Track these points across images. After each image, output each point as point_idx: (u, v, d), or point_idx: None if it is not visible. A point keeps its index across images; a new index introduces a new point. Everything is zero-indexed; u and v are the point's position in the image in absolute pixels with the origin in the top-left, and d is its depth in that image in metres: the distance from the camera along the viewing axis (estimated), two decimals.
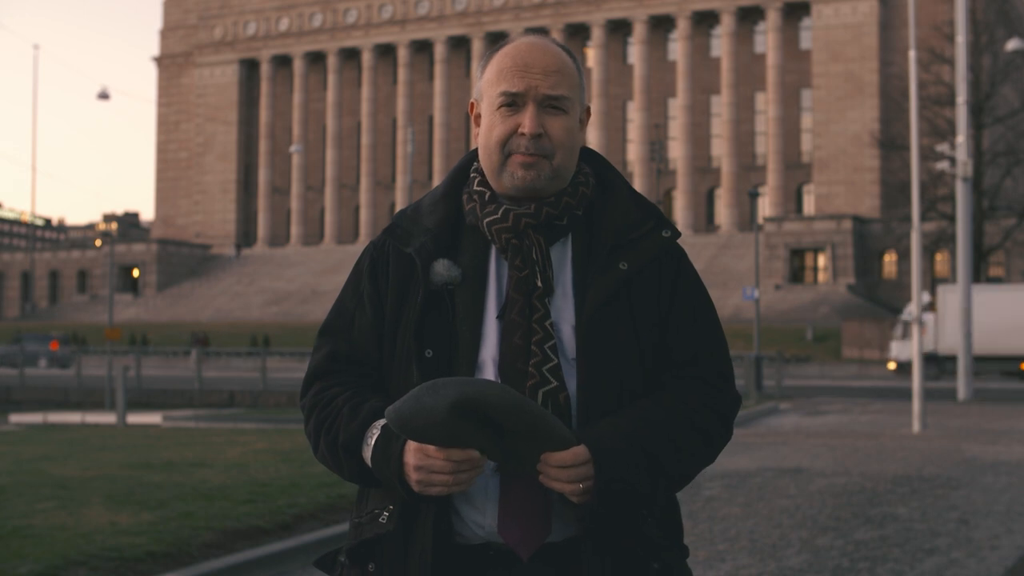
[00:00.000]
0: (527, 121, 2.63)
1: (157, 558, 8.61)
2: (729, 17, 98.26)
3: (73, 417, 29.13)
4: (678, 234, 2.74)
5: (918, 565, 9.32)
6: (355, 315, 2.74)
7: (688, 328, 2.69)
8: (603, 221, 2.70)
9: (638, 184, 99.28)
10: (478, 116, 2.75)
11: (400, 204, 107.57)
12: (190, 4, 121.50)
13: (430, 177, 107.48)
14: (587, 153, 2.83)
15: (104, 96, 71.25)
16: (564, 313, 2.62)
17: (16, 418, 29.43)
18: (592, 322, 2.59)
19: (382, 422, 2.56)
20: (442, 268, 2.64)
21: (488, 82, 2.70)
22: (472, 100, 2.78)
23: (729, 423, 2.73)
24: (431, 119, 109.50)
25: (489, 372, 2.58)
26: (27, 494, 11.52)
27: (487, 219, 2.66)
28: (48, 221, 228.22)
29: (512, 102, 2.65)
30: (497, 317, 2.61)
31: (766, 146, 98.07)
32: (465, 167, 2.82)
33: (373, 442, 2.55)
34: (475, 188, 2.73)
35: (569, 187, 2.70)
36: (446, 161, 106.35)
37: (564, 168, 2.67)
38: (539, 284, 2.60)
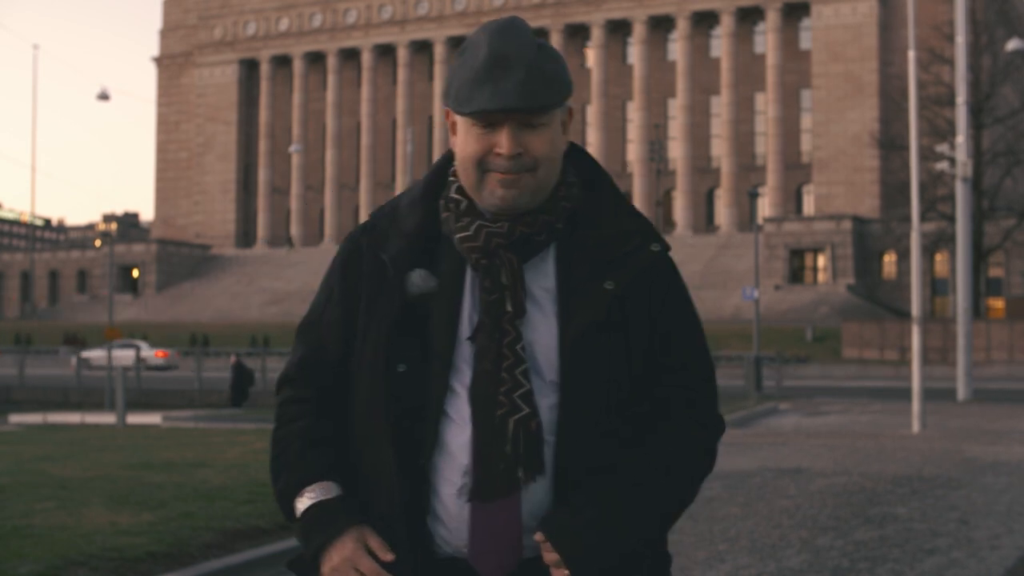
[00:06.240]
0: (504, 142, 2.49)
1: (157, 558, 8.61)
2: (729, 17, 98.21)
3: (73, 417, 29.14)
4: (667, 247, 2.64)
5: (918, 565, 9.31)
6: (324, 314, 2.69)
7: (676, 344, 2.62)
8: (589, 234, 2.59)
9: (638, 184, 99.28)
10: (453, 124, 2.60)
11: None
12: (190, 4, 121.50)
13: None
14: (577, 153, 2.72)
15: (104, 97, 71.16)
16: (544, 332, 2.53)
17: (16, 418, 29.42)
18: (576, 345, 2.51)
19: (313, 495, 2.56)
20: (418, 279, 2.55)
21: None
22: (446, 108, 2.61)
23: (714, 454, 2.66)
24: (431, 119, 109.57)
25: (462, 397, 2.52)
26: (27, 494, 11.52)
27: (459, 235, 2.56)
28: (48, 221, 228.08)
29: (486, 120, 2.51)
30: (468, 338, 2.53)
31: (766, 146, 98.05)
32: (443, 168, 2.69)
33: (302, 516, 2.56)
34: (452, 195, 2.61)
35: (549, 201, 2.57)
36: None
37: (547, 180, 2.55)
38: (508, 308, 2.51)
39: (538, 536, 2.47)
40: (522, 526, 2.50)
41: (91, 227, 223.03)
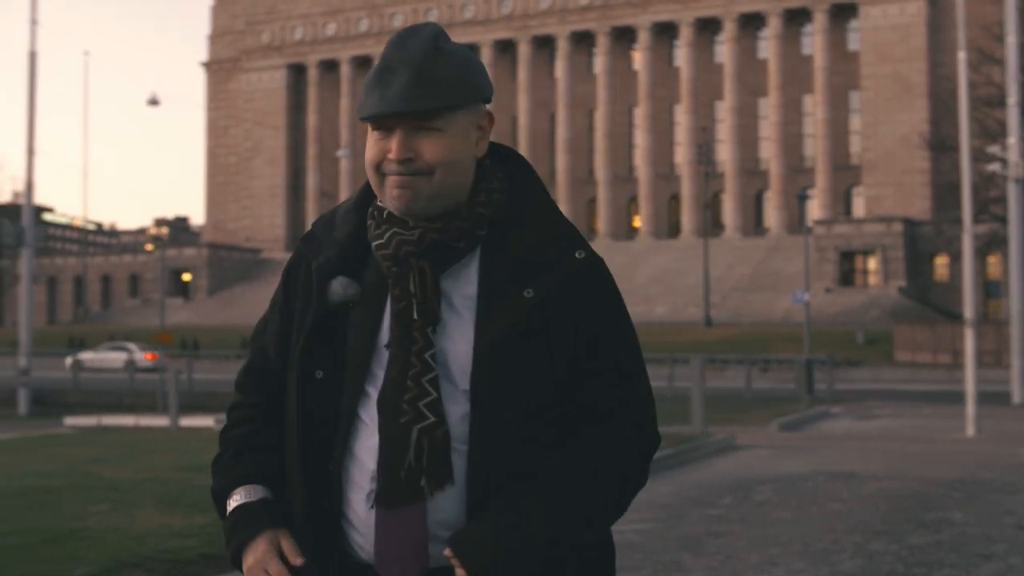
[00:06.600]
0: (393, 146, 2.46)
1: (209, 560, 8.64)
2: (776, 19, 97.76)
3: (127, 420, 29.35)
4: (593, 254, 2.57)
5: (975, 571, 9.21)
6: (270, 322, 2.72)
7: (604, 349, 2.55)
8: (511, 241, 2.53)
9: (686, 187, 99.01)
10: None
11: None
12: (238, 10, 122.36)
13: None
14: (508, 157, 2.66)
15: (154, 102, 71.85)
16: (460, 340, 2.49)
17: (71, 421, 29.70)
18: (490, 353, 2.46)
19: (239, 497, 2.60)
20: (339, 287, 2.54)
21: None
22: None
23: (647, 459, 2.58)
24: None
25: (373, 404, 2.50)
26: (81, 496, 11.62)
27: (374, 243, 2.54)
28: (100, 226, 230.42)
29: (380, 125, 2.48)
30: (385, 346, 2.51)
31: (814, 148, 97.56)
32: None
33: (228, 516, 2.61)
34: (377, 203, 2.59)
35: (464, 208, 2.52)
36: None
37: (450, 185, 2.49)
38: (415, 316, 2.48)
39: (447, 552, 2.43)
40: (428, 535, 2.46)
41: (142, 231, 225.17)
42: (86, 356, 61.41)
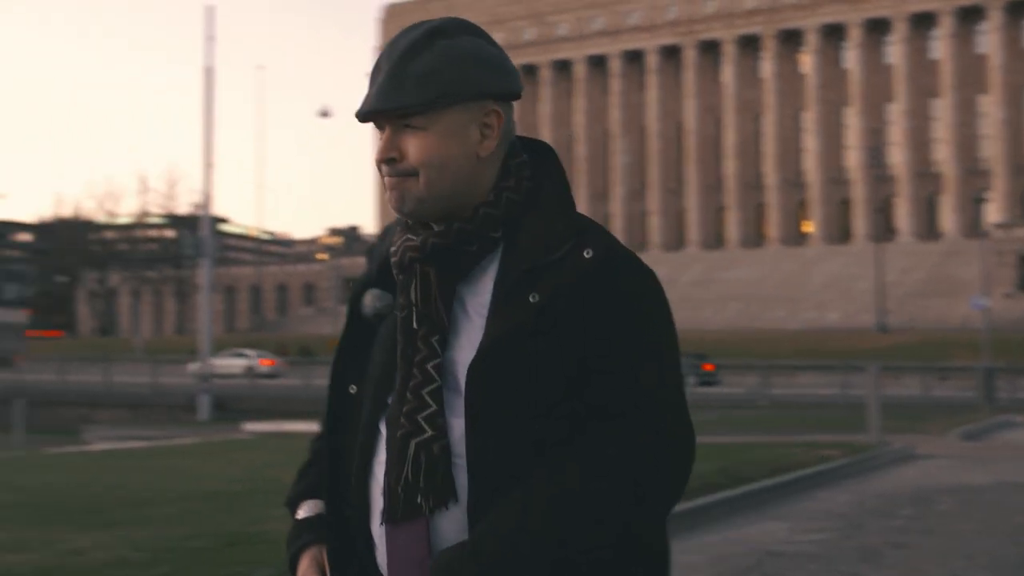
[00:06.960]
0: (379, 146, 2.39)
1: None
2: (948, 18, 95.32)
3: (302, 426, 30.02)
4: (607, 250, 2.39)
5: None
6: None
7: (618, 350, 2.36)
8: (521, 242, 2.40)
9: (857, 191, 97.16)
10: None
11: (615, 215, 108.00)
12: (405, 22, 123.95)
13: (644, 188, 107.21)
14: (539, 153, 2.54)
15: (325, 114, 73.33)
16: (468, 350, 2.37)
17: (250, 426, 30.53)
18: (488, 358, 2.33)
19: (302, 512, 2.60)
20: (370, 299, 2.48)
21: None
22: None
23: (668, 476, 2.36)
24: (643, 130, 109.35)
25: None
26: (260, 500, 11.91)
27: (390, 250, 2.48)
28: (274, 235, 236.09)
29: (378, 125, 2.41)
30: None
31: (991, 150, 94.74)
32: None
33: (291, 526, 2.62)
34: None
35: (469, 210, 2.41)
36: (662, 171, 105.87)
37: (439, 187, 2.38)
38: (415, 325, 2.39)
39: None
40: (431, 554, 2.36)
41: (315, 241, 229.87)
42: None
